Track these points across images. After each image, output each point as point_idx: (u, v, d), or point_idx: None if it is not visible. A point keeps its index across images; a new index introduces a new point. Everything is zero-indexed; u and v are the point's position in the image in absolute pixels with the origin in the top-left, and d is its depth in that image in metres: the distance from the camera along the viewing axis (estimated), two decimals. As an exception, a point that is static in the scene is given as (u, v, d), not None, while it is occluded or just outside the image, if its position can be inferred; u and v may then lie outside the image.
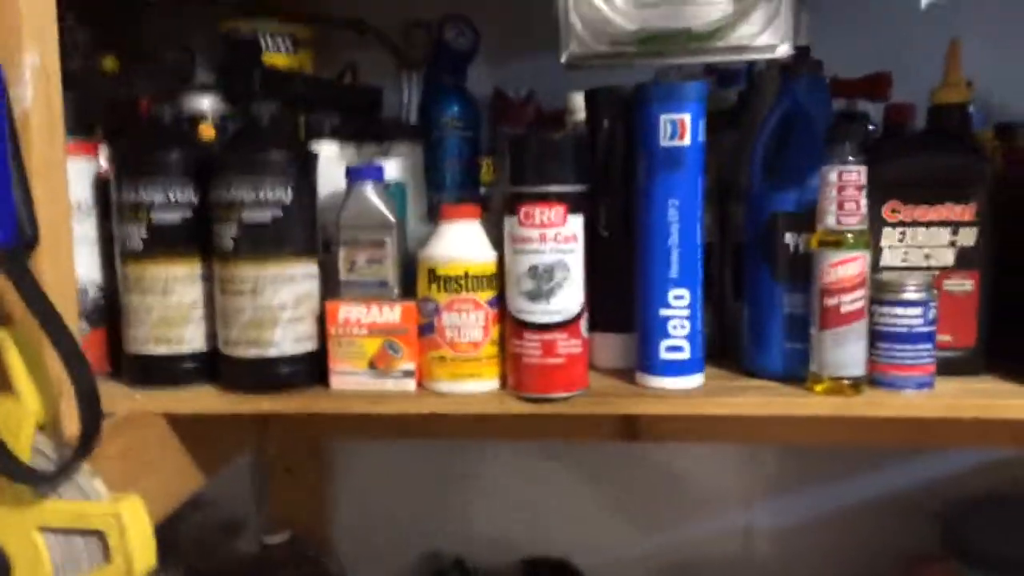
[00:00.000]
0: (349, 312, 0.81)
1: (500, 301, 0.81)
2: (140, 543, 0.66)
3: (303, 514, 1.33)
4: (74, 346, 0.65)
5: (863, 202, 0.79)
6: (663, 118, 0.79)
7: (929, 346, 0.80)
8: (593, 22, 0.69)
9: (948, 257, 0.84)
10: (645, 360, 0.82)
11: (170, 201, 0.80)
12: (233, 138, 0.83)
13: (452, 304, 0.80)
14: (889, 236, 0.85)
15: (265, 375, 0.80)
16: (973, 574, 1.12)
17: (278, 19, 1.07)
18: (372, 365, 0.81)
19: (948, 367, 0.83)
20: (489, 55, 1.14)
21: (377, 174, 0.83)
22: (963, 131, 0.89)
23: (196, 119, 0.89)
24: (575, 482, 1.34)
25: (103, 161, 0.85)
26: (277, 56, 1.05)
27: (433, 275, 0.80)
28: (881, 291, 0.81)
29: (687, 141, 0.79)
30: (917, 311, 0.80)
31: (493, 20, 1.06)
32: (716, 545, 1.33)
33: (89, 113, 0.87)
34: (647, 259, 0.81)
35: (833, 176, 0.78)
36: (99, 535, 0.66)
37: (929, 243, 0.84)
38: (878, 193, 0.83)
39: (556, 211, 0.78)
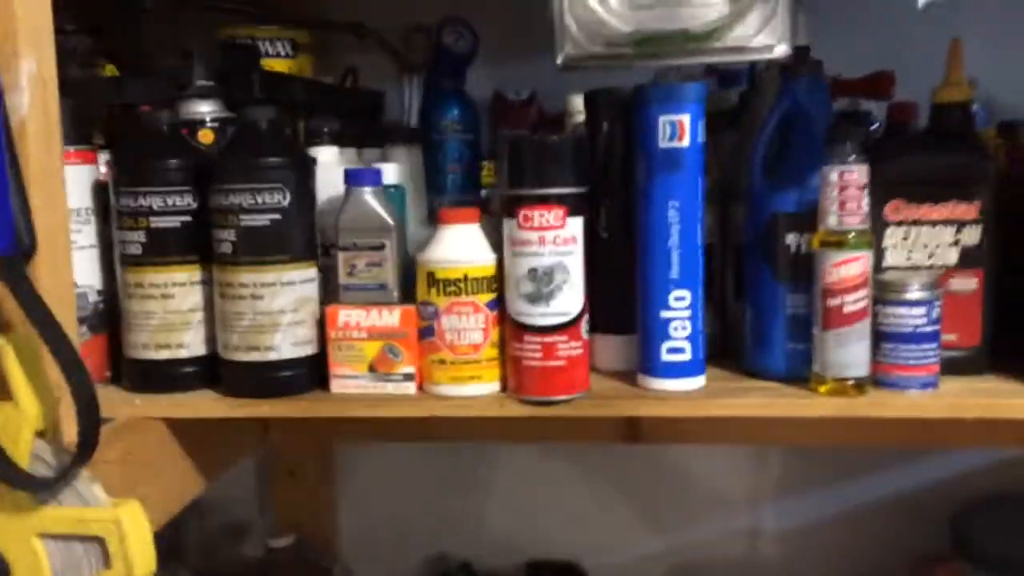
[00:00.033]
0: (348, 316, 0.81)
1: (500, 303, 0.81)
2: (140, 549, 0.66)
3: (308, 517, 1.33)
4: (72, 353, 0.65)
5: (864, 202, 0.78)
6: (662, 119, 0.79)
7: (933, 346, 0.80)
8: (588, 24, 0.68)
9: (952, 256, 0.84)
10: (646, 362, 0.82)
11: (168, 207, 0.80)
12: (231, 143, 0.83)
13: (452, 307, 0.80)
14: (892, 235, 0.84)
15: (265, 379, 0.80)
16: (980, 575, 1.11)
17: (277, 24, 1.07)
18: (372, 369, 0.81)
19: (953, 367, 0.82)
20: (490, 58, 1.14)
21: (375, 178, 0.83)
22: (965, 130, 0.88)
23: (195, 124, 0.89)
24: (581, 484, 1.34)
25: (103, 167, 0.85)
26: (276, 61, 1.05)
27: (432, 278, 0.80)
28: (884, 291, 0.81)
29: (686, 142, 0.79)
30: (921, 311, 0.79)
31: (493, 22, 1.06)
32: (722, 547, 1.32)
33: (89, 120, 0.87)
34: (647, 260, 0.81)
35: (834, 176, 0.78)
36: (99, 541, 0.66)
37: (932, 242, 0.84)
38: (881, 192, 0.82)
39: (555, 213, 0.77)
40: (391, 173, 0.92)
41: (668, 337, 0.81)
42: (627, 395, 0.81)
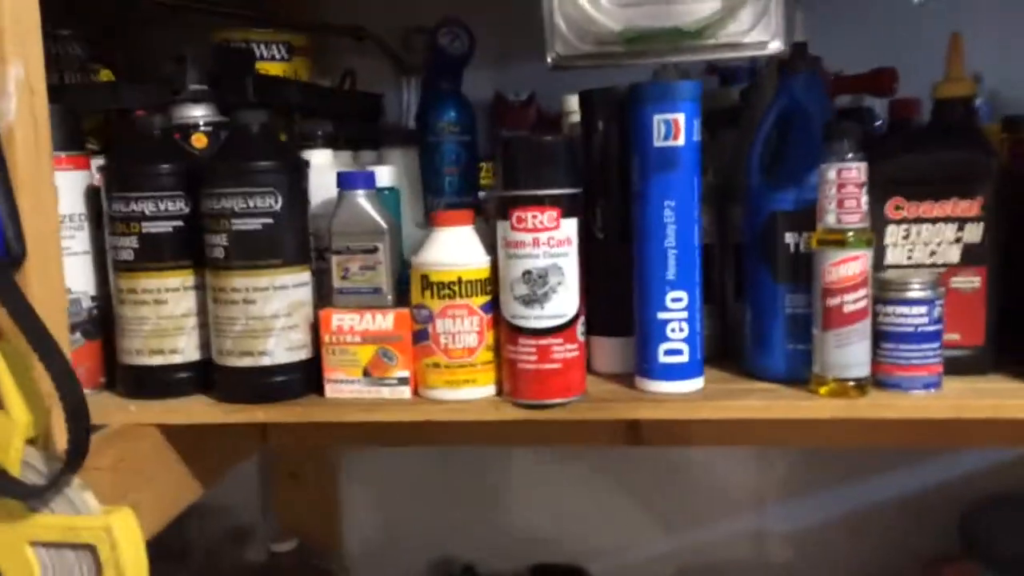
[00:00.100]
0: (342, 320, 0.80)
1: (495, 306, 0.80)
2: (132, 556, 0.66)
3: (310, 521, 1.33)
4: (62, 361, 0.64)
5: (863, 200, 0.77)
6: (657, 118, 0.78)
7: (935, 345, 0.78)
8: (578, 22, 0.68)
9: (954, 254, 0.82)
10: (643, 364, 0.81)
11: (161, 212, 0.80)
12: (222, 147, 0.83)
13: (446, 310, 0.79)
14: (893, 233, 0.83)
15: (259, 384, 0.80)
16: (990, 574, 1.10)
17: (274, 27, 1.07)
18: (367, 373, 0.80)
19: (956, 366, 0.81)
20: (490, 59, 1.14)
21: (368, 181, 0.82)
22: (967, 125, 0.87)
23: (188, 129, 0.88)
24: (585, 486, 1.33)
25: (95, 173, 0.85)
26: (272, 64, 1.05)
27: (426, 281, 0.79)
28: (885, 290, 0.79)
29: (681, 141, 0.78)
30: (922, 310, 0.78)
31: (493, 23, 1.05)
32: (728, 549, 1.31)
33: (83, 125, 0.87)
34: (643, 261, 0.80)
35: (832, 174, 0.77)
36: (90, 549, 0.65)
37: (934, 240, 0.83)
38: (881, 190, 0.81)
39: (549, 215, 0.77)
40: (386, 176, 0.91)
41: (665, 339, 0.80)
42: (624, 398, 0.80)
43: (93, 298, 0.84)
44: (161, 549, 1.20)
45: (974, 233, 0.82)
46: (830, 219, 0.77)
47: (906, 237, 0.83)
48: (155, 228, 0.80)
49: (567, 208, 0.77)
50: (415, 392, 0.81)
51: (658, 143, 0.78)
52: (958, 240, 0.82)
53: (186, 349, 0.82)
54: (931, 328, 0.78)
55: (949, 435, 0.89)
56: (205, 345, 0.82)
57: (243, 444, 1.02)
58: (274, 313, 0.79)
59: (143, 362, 0.81)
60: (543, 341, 0.78)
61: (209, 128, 0.89)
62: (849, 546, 1.27)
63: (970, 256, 0.82)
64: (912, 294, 0.78)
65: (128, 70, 1.01)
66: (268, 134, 0.81)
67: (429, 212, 0.95)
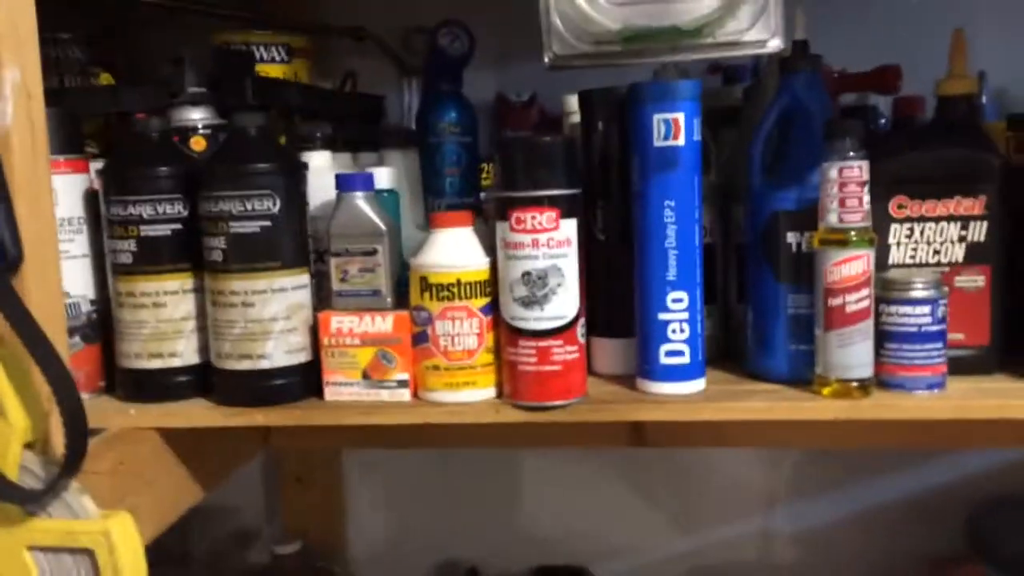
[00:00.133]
0: (341, 322, 0.80)
1: (494, 308, 0.79)
2: (130, 560, 0.66)
3: (315, 523, 1.33)
4: (59, 365, 0.64)
5: (865, 198, 0.76)
6: (656, 117, 0.77)
7: (939, 345, 0.78)
8: (575, 21, 0.67)
9: (958, 253, 0.82)
10: (645, 365, 0.80)
11: (159, 215, 0.80)
12: (220, 150, 0.83)
13: (445, 312, 0.79)
14: (896, 232, 0.82)
15: (258, 388, 0.79)
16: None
17: (274, 29, 1.07)
18: (366, 375, 0.80)
19: (961, 366, 0.80)
20: (491, 59, 1.13)
21: (366, 183, 0.82)
22: (971, 123, 0.86)
23: (187, 132, 0.88)
24: (590, 488, 1.33)
25: (94, 176, 0.85)
26: (271, 66, 1.05)
27: (425, 283, 0.79)
28: (888, 289, 0.79)
29: (681, 141, 0.77)
30: (926, 309, 0.77)
31: (495, 24, 1.05)
32: (735, 550, 1.30)
33: (84, 129, 0.87)
34: (644, 262, 0.80)
35: (833, 172, 0.76)
36: (88, 553, 0.65)
37: (938, 239, 0.82)
38: (884, 188, 0.81)
39: (548, 215, 0.76)
40: (385, 177, 0.91)
41: (666, 340, 0.79)
42: (625, 399, 0.80)
43: (92, 302, 0.84)
44: (165, 552, 1.21)
45: (978, 232, 0.81)
46: (832, 218, 0.77)
47: (909, 236, 0.82)
48: (153, 231, 0.80)
49: (566, 209, 0.77)
50: (415, 394, 0.81)
51: (658, 143, 0.77)
52: (962, 239, 0.81)
53: (185, 352, 0.82)
54: (935, 328, 0.77)
55: (954, 436, 0.88)
56: (204, 348, 0.82)
57: (244, 447, 1.02)
58: (273, 316, 0.79)
59: (142, 366, 0.81)
60: (543, 343, 0.77)
61: (208, 131, 0.88)
62: (856, 547, 1.26)
63: (974, 255, 0.81)
64: (915, 294, 0.78)
65: (128, 73, 1.01)
66: (266, 137, 0.81)
67: (430, 214, 0.95)
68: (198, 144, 0.88)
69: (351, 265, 0.81)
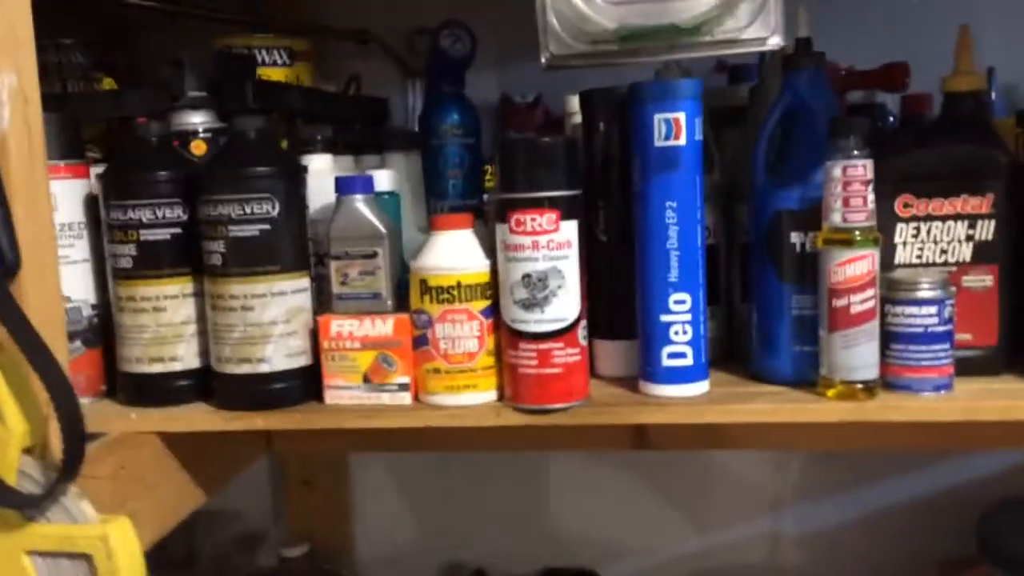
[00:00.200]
0: (341, 326, 0.80)
1: (495, 310, 0.79)
2: (128, 565, 0.65)
3: (321, 526, 1.33)
4: (56, 370, 0.64)
5: (870, 197, 0.75)
6: (657, 117, 0.77)
7: (946, 346, 0.77)
8: (571, 21, 0.66)
9: (965, 252, 0.80)
10: (647, 367, 0.80)
11: (158, 219, 0.80)
12: (220, 154, 0.83)
13: (445, 315, 0.78)
14: (902, 232, 0.81)
15: (258, 392, 0.79)
16: (1009, 580, 1.08)
17: (277, 32, 1.07)
18: (366, 379, 0.80)
19: (969, 367, 0.79)
20: (496, 60, 1.13)
21: (366, 185, 0.82)
22: (978, 119, 0.85)
23: (187, 136, 0.88)
24: (597, 490, 1.32)
25: (95, 181, 0.85)
26: (273, 69, 1.05)
27: (425, 286, 0.78)
28: (894, 290, 0.78)
29: (683, 140, 0.77)
30: (932, 310, 0.76)
31: (499, 25, 1.04)
32: (742, 552, 1.29)
33: (84, 133, 0.87)
34: (646, 263, 0.79)
35: (837, 171, 0.75)
36: (87, 558, 0.65)
37: (945, 238, 0.81)
38: (889, 186, 0.80)
39: (548, 217, 0.76)
40: (386, 180, 0.91)
41: (669, 342, 0.78)
42: (628, 402, 0.79)
43: (93, 306, 0.84)
44: (172, 555, 1.21)
45: (986, 230, 0.80)
46: (836, 218, 0.76)
47: (916, 235, 0.81)
48: (153, 235, 0.80)
49: (567, 210, 0.76)
50: (415, 398, 0.80)
51: (659, 143, 0.77)
52: (969, 238, 0.80)
53: (186, 356, 0.82)
54: (941, 328, 0.76)
55: (961, 437, 0.87)
56: (205, 352, 0.82)
57: (246, 451, 1.01)
58: (272, 320, 0.79)
59: (143, 370, 0.81)
60: (544, 345, 0.77)
61: (208, 135, 0.88)
62: (863, 549, 1.25)
63: (982, 254, 0.80)
64: (922, 294, 0.77)
65: (131, 77, 1.01)
66: (266, 140, 0.81)
67: (430, 216, 0.94)
68: (199, 148, 0.88)
69: (351, 268, 0.81)
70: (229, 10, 1.06)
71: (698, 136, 0.77)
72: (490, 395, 0.80)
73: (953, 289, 0.77)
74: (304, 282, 0.81)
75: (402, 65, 1.23)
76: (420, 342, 0.79)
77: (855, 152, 0.75)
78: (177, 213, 0.80)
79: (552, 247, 0.76)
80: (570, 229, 0.77)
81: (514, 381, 0.78)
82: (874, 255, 0.76)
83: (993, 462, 1.19)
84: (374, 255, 0.80)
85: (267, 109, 0.90)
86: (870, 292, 0.76)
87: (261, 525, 1.38)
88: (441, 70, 1.02)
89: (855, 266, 0.75)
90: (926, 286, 0.77)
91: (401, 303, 0.82)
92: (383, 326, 0.79)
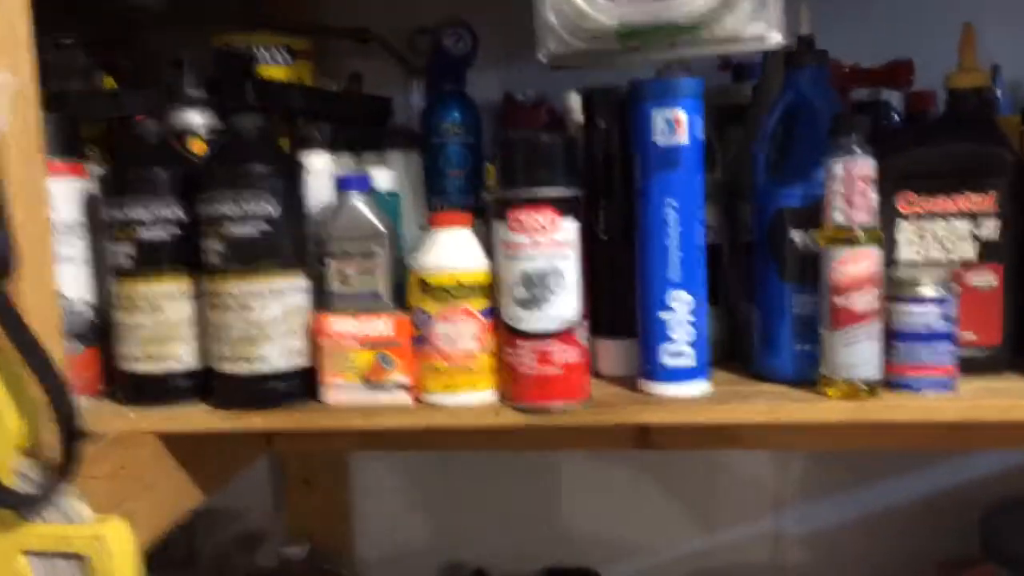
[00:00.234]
0: (340, 325, 0.79)
1: (495, 310, 0.78)
2: (124, 566, 0.65)
3: (321, 526, 1.32)
4: (53, 370, 0.64)
5: (872, 195, 0.75)
6: (658, 115, 0.76)
7: (949, 345, 0.76)
8: (570, 18, 0.66)
9: (969, 250, 0.80)
10: (647, 366, 0.79)
11: (157, 218, 0.79)
12: (218, 152, 0.82)
13: (444, 314, 0.78)
14: (905, 230, 0.81)
15: (257, 391, 0.79)
16: (1013, 580, 1.07)
17: (277, 31, 1.06)
18: (365, 378, 0.79)
19: (973, 366, 0.79)
20: (499, 59, 1.12)
21: (365, 184, 0.81)
22: (982, 116, 0.84)
23: (187, 134, 0.88)
24: (598, 489, 1.31)
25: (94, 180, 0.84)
26: (274, 68, 1.04)
27: (424, 285, 0.78)
28: (896, 288, 0.77)
29: (684, 139, 0.76)
30: (935, 308, 0.76)
31: (502, 23, 1.03)
32: (743, 552, 1.29)
33: (82, 132, 0.87)
34: (646, 262, 0.78)
35: (839, 169, 0.75)
36: (83, 559, 0.65)
37: (948, 236, 0.80)
38: (892, 184, 0.79)
39: (547, 216, 0.75)
40: (386, 178, 0.90)
41: (668, 340, 0.78)
42: (628, 401, 0.79)
43: (92, 306, 0.84)
44: (172, 554, 1.21)
45: (990, 229, 0.79)
46: (838, 216, 0.75)
47: (918, 233, 0.80)
48: (152, 234, 0.79)
49: (566, 209, 0.76)
50: (415, 397, 0.80)
51: (660, 141, 0.76)
52: (973, 236, 0.80)
53: (184, 356, 0.81)
54: (944, 327, 0.76)
55: (964, 437, 0.86)
56: (203, 352, 0.81)
57: (246, 451, 1.01)
58: (271, 319, 0.78)
59: (141, 369, 0.81)
60: (543, 345, 0.76)
61: (209, 134, 0.88)
62: (865, 549, 1.25)
63: (986, 253, 0.79)
64: (924, 292, 0.76)
65: (132, 76, 1.01)
66: (265, 138, 0.80)
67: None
68: (198, 147, 0.87)
69: (350, 267, 0.81)
70: (230, 9, 1.05)
71: (699, 134, 0.77)
72: (489, 395, 0.79)
73: (956, 287, 0.77)
74: (303, 281, 0.81)
75: (404, 64, 1.22)
76: (419, 341, 0.79)
77: (857, 149, 0.74)
78: (175, 212, 0.80)
79: (551, 246, 0.75)
80: (569, 228, 0.76)
81: (513, 381, 0.77)
82: (876, 253, 0.75)
83: (994, 462, 1.18)
84: (373, 254, 0.80)
85: (267, 108, 0.90)
86: (872, 291, 0.75)
87: (261, 524, 1.38)
88: (442, 69, 1.01)
89: (857, 265, 0.75)
90: (929, 284, 0.76)
91: (400, 302, 0.81)
92: (382, 325, 0.79)
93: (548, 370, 0.76)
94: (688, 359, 0.78)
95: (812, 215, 0.78)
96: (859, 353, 0.75)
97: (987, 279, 0.80)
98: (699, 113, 0.76)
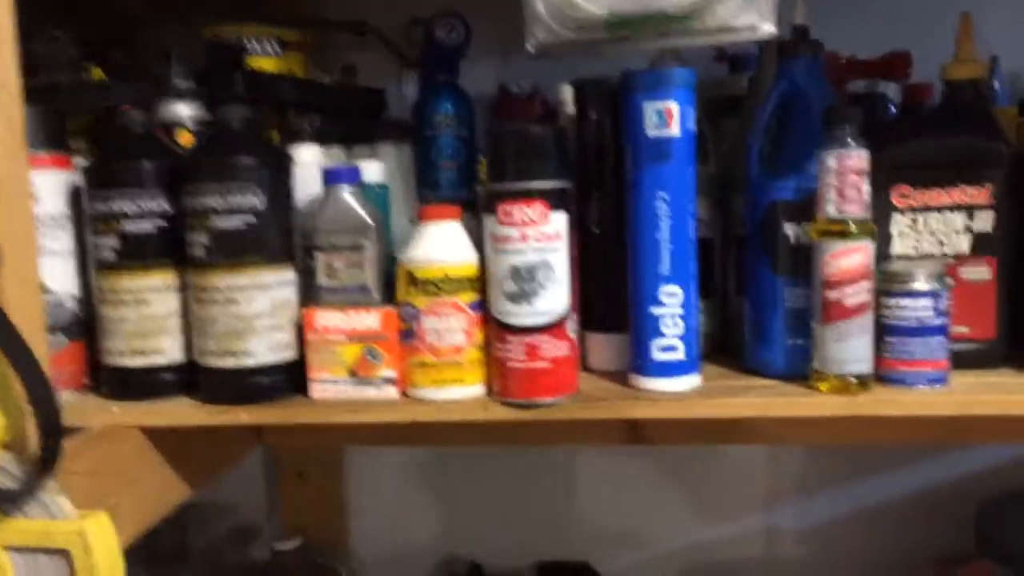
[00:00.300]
0: (327, 319, 0.78)
1: (484, 304, 0.78)
2: (106, 561, 0.65)
3: (315, 519, 1.32)
4: (33, 364, 0.63)
5: (865, 188, 0.74)
6: (649, 107, 0.75)
7: (941, 339, 0.75)
8: (559, 7, 0.64)
9: (963, 243, 0.79)
10: (637, 361, 0.78)
11: (142, 211, 0.78)
12: (204, 144, 0.81)
13: (432, 308, 0.77)
14: (899, 222, 0.80)
15: (243, 385, 0.78)
16: (1008, 572, 1.06)
17: (272, 23, 1.05)
18: (352, 373, 0.79)
19: (966, 360, 0.78)
20: (493, 52, 1.11)
21: (353, 176, 0.80)
22: (978, 108, 0.83)
23: (174, 126, 0.87)
24: (593, 484, 1.31)
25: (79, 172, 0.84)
26: (264, 59, 1.03)
27: (412, 278, 0.77)
28: (889, 281, 0.76)
29: (675, 130, 0.75)
30: (927, 302, 0.75)
31: (497, 15, 1.02)
32: (738, 547, 1.28)
33: (69, 124, 0.86)
34: (637, 255, 0.77)
35: (832, 161, 0.74)
36: (64, 553, 0.64)
37: (942, 229, 0.79)
38: (886, 177, 0.78)
39: (537, 209, 0.74)
40: (376, 171, 0.89)
41: (659, 335, 0.77)
42: (617, 396, 0.78)
43: (77, 299, 0.83)
44: (164, 548, 1.20)
45: (984, 222, 0.78)
46: (830, 209, 0.74)
47: (913, 226, 0.80)
48: (136, 227, 0.79)
49: (556, 202, 0.75)
50: (402, 392, 0.79)
51: (651, 133, 0.75)
52: (968, 229, 0.79)
53: (169, 350, 0.80)
54: (936, 321, 0.75)
55: (957, 431, 0.85)
56: (189, 346, 0.81)
57: (234, 446, 1.00)
58: (257, 312, 0.77)
59: (126, 363, 0.80)
60: (532, 339, 0.75)
61: (196, 126, 0.87)
62: (860, 544, 1.24)
63: (980, 246, 0.78)
64: (916, 286, 0.75)
65: (123, 68, 1.00)
66: (252, 130, 0.79)
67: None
68: (185, 139, 0.87)
69: (337, 260, 0.80)
70: (227, 2, 1.04)
71: (691, 126, 0.76)
72: (477, 389, 0.78)
73: (949, 281, 0.76)
74: (289, 274, 0.80)
75: (401, 57, 1.21)
76: (407, 335, 0.78)
77: (850, 142, 0.73)
78: (161, 204, 0.79)
79: (541, 239, 0.75)
80: (559, 221, 0.75)
81: (502, 375, 0.77)
82: (868, 247, 0.74)
83: (989, 457, 1.17)
84: (361, 247, 0.79)
85: (257, 99, 0.89)
86: (864, 284, 0.74)
87: (254, 518, 1.37)
88: (436, 60, 1.00)
89: (849, 258, 0.74)
90: (921, 278, 0.75)
91: (388, 296, 0.80)
92: (369, 319, 0.78)
93: (537, 364, 0.75)
94: (679, 353, 0.77)
95: (806, 208, 0.77)
96: (851, 348, 0.74)
97: (981, 272, 0.79)
98: (691, 105, 0.75)
